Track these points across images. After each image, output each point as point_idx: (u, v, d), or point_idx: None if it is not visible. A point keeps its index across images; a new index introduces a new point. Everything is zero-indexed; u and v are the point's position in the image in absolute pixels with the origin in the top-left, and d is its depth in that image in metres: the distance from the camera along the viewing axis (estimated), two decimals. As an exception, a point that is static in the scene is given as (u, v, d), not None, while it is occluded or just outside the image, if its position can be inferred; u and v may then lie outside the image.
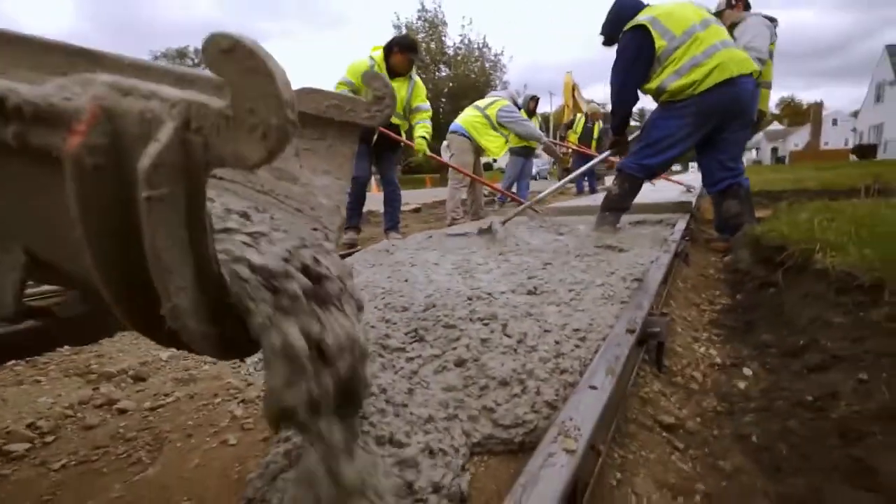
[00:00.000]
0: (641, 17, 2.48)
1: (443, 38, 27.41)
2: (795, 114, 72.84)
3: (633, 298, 1.27)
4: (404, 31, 27.01)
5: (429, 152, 3.94)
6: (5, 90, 0.34)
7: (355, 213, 3.63)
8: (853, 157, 26.95)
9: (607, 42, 2.72)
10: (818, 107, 45.51)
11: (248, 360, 1.28)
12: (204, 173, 0.35)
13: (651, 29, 2.43)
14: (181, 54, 40.64)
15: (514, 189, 7.35)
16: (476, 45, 27.21)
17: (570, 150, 11.56)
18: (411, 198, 10.08)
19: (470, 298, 1.22)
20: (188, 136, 0.33)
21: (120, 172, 0.34)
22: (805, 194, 5.38)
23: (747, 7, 3.45)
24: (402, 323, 1.11)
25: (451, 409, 0.75)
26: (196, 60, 41.66)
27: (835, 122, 47.82)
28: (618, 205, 2.76)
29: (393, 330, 1.07)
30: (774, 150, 57.02)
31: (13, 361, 1.37)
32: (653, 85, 2.49)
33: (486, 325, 0.98)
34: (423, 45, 27.08)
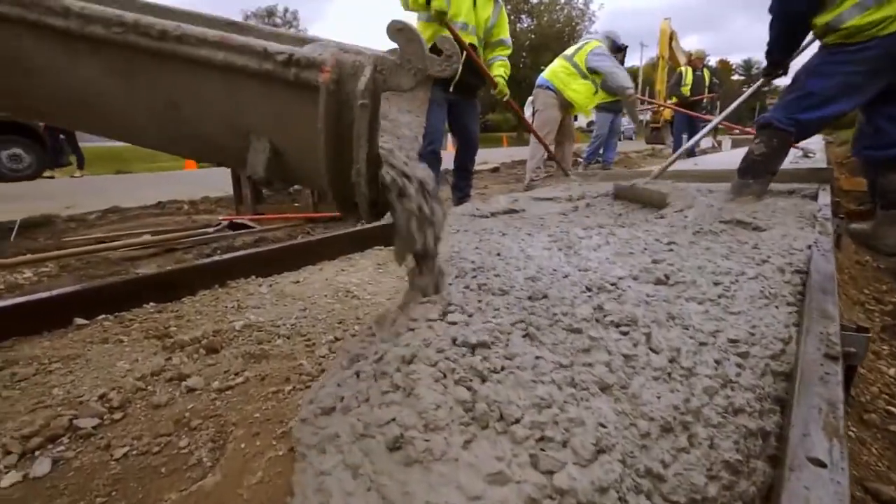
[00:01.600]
0: None
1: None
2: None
3: (809, 302, 0.94)
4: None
5: (508, 96, 3.52)
6: (289, 50, 0.66)
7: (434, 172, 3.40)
8: None
9: None
10: None
11: (323, 340, 1.15)
12: (382, 94, 0.69)
13: None
14: (270, 13, 42.12)
15: (601, 151, 6.74)
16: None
17: (661, 108, 10.35)
18: (489, 156, 9.69)
19: (589, 289, 0.97)
20: (377, 74, 0.67)
21: (341, 93, 0.67)
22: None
23: None
24: (505, 310, 0.89)
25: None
26: (284, 18, 42.98)
27: None
28: (765, 168, 2.16)
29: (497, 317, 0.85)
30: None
31: (103, 316, 1.38)
32: (827, 18, 1.92)
33: (624, 333, 0.73)
34: (506, -8, 25.43)
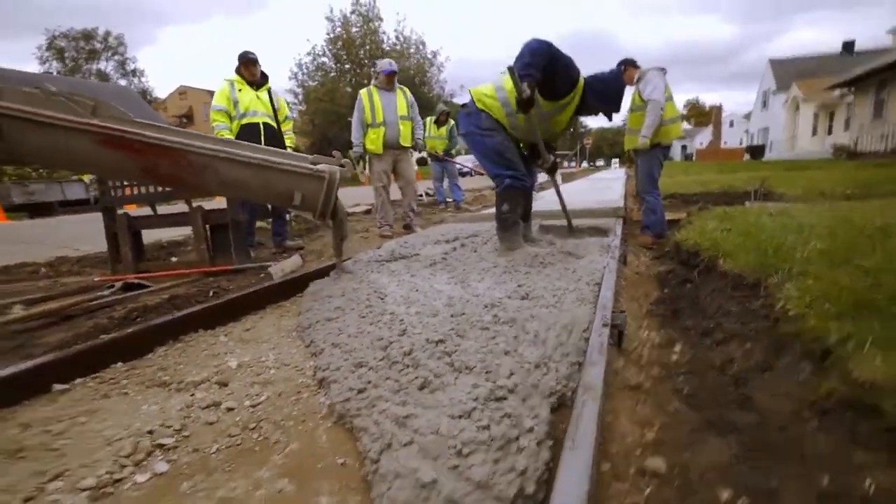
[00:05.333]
0: None
1: (380, 34, 27.22)
2: (700, 114, 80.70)
3: (599, 299, 1.73)
4: (338, 24, 26.55)
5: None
6: (307, 168, 2.19)
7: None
8: (747, 156, 30.70)
9: None
10: (718, 110, 50.80)
11: (310, 364, 1.58)
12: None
13: None
14: (87, 36, 36.73)
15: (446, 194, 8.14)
16: (412, 42, 27.34)
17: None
18: (357, 196, 10.23)
19: (486, 306, 1.61)
20: (337, 175, 2.20)
21: (330, 180, 2.20)
22: (711, 196, 6.38)
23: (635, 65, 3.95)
24: (440, 324, 1.48)
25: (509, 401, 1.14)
26: (105, 43, 37.87)
27: (731, 123, 53.67)
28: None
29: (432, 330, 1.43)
30: (684, 147, 62.73)
31: (80, 380, 1.56)
32: None
33: (510, 327, 1.38)
34: (359, 40, 26.79)
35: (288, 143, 4.51)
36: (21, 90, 1.83)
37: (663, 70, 3.81)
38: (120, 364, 1.67)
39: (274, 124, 4.36)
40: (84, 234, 5.77)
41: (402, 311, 1.66)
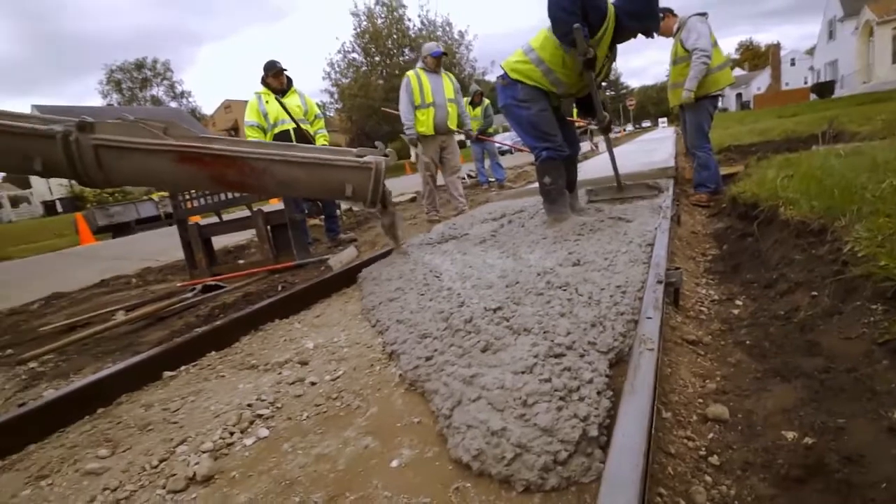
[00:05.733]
0: None
1: (405, 22, 27.11)
2: (755, 56, 74.08)
3: (652, 258, 1.73)
4: (363, 18, 26.71)
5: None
6: (354, 161, 2.33)
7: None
8: (813, 96, 27.94)
9: None
10: (776, 49, 46.37)
11: (378, 340, 1.71)
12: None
13: None
14: (139, 66, 39.66)
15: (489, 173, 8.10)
16: (438, 25, 27.03)
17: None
18: (399, 185, 10.45)
19: (538, 274, 1.66)
20: (383, 166, 2.37)
21: (377, 171, 2.34)
22: (771, 145, 5.94)
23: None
24: (495, 295, 1.55)
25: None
26: (153, 70, 40.63)
27: (793, 62, 48.95)
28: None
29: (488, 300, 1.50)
30: (739, 95, 58.02)
31: (184, 368, 1.78)
32: None
33: (564, 290, 1.43)
34: (385, 30, 26.85)
35: (322, 140, 4.63)
36: (108, 122, 2.06)
37: (705, 15, 3.59)
38: (213, 353, 1.89)
39: (305, 127, 4.49)
40: (161, 247, 6.33)
41: (458, 286, 1.75)
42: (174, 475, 1.07)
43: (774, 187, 2.31)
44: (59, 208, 26.35)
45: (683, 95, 3.56)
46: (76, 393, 1.53)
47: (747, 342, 1.43)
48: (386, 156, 2.33)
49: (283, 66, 4.44)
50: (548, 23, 2.51)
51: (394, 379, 1.39)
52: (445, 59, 5.08)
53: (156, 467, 1.13)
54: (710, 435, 1.03)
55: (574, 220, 2.64)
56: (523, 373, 1.03)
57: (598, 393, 0.97)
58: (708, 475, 0.90)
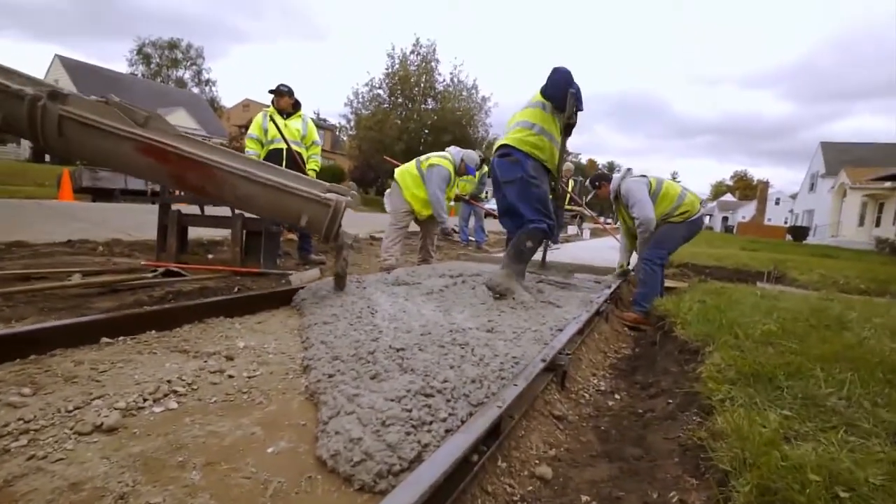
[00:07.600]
0: None
1: (435, 75, 28.71)
2: (746, 187, 79.39)
3: (552, 342, 2.01)
4: (397, 61, 28.30)
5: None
6: (315, 195, 2.53)
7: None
8: (788, 237, 29.95)
9: None
10: (765, 186, 49.90)
11: (301, 354, 1.92)
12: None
13: None
14: (172, 45, 40.77)
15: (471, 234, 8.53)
16: (465, 86, 28.65)
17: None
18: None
19: (451, 331, 1.92)
20: (343, 205, 2.57)
21: (335, 209, 2.54)
22: (723, 272, 6.48)
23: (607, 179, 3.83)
24: (409, 337, 1.80)
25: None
26: (185, 54, 41.79)
27: (777, 201, 52.62)
28: None
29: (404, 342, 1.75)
30: (725, 218, 61.46)
31: (122, 338, 1.96)
32: None
33: (462, 348, 1.69)
34: (415, 77, 28.40)
35: (312, 166, 4.98)
36: (87, 100, 2.26)
37: (638, 177, 3.61)
38: (154, 331, 2.07)
39: (298, 149, 4.87)
40: (138, 222, 6.44)
41: (384, 325, 2.00)
42: (83, 421, 1.25)
43: (679, 307, 2.65)
44: (48, 157, 26.00)
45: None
46: (14, 336, 1.69)
47: (602, 428, 1.69)
48: (350, 198, 2.59)
49: (288, 89, 4.90)
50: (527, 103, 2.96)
51: (300, 388, 1.60)
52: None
53: (70, 412, 1.30)
54: (530, 487, 1.26)
55: (518, 290, 2.89)
56: (393, 400, 1.26)
57: (447, 431, 1.21)
58: (510, 514, 1.13)
